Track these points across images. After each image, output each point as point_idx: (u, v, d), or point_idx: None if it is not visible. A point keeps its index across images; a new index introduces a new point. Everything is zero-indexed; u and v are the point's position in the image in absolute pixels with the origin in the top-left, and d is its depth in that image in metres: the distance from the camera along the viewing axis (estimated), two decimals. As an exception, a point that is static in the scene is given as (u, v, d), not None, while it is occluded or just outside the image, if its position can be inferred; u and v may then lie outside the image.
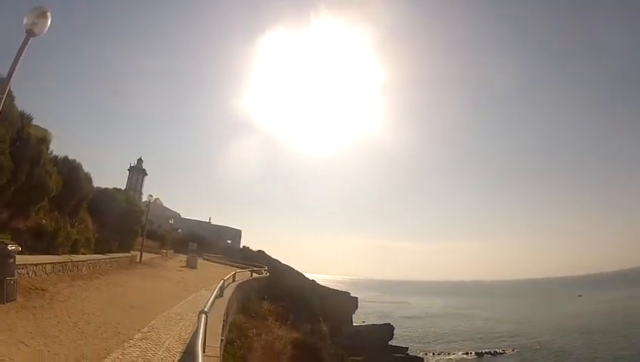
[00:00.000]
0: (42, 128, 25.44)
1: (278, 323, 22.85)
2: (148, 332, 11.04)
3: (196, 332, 8.04)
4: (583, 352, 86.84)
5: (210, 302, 11.70)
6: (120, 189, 49.08)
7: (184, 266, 40.86)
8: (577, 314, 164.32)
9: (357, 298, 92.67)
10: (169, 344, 10.14)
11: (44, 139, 23.10)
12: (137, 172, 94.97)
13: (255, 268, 35.39)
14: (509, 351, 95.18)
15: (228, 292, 17.06)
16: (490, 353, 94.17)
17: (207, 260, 56.15)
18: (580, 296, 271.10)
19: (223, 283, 17.28)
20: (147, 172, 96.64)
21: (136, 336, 10.72)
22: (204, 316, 9.02)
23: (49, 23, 10.58)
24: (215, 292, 14.38)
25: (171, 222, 72.01)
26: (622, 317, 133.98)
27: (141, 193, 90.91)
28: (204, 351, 8.62)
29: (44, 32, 10.65)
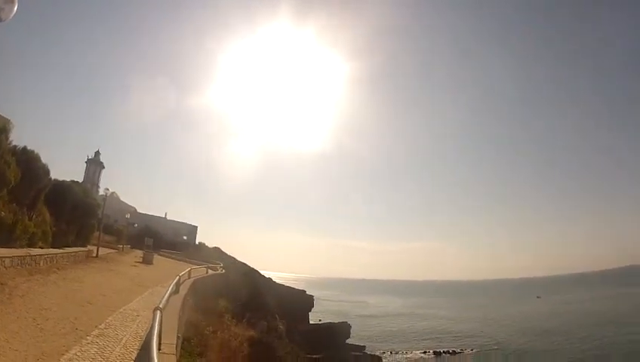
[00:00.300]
0: (3, 117, 25.01)
1: (234, 320, 23.10)
2: (105, 328, 11.24)
3: (151, 329, 8.11)
4: (541, 353, 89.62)
5: (165, 299, 11.90)
6: (77, 182, 48.33)
7: (140, 262, 40.59)
8: (536, 315, 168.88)
9: (313, 296, 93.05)
10: (126, 341, 10.36)
11: (4, 129, 22.75)
12: (95, 165, 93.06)
13: (211, 265, 35.51)
14: (467, 351, 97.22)
15: (183, 289, 17.32)
16: (448, 352, 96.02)
17: (163, 256, 55.79)
18: (538, 297, 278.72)
19: (179, 279, 17.54)
20: (104, 165, 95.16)
21: (93, 333, 10.89)
22: (159, 312, 9.09)
23: (16, 8, 10.45)
24: (170, 289, 14.62)
25: (127, 216, 70.91)
26: (580, 319, 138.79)
27: (98, 186, 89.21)
28: (159, 349, 8.82)
29: (10, 17, 10.46)
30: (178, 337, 11.24)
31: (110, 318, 12.54)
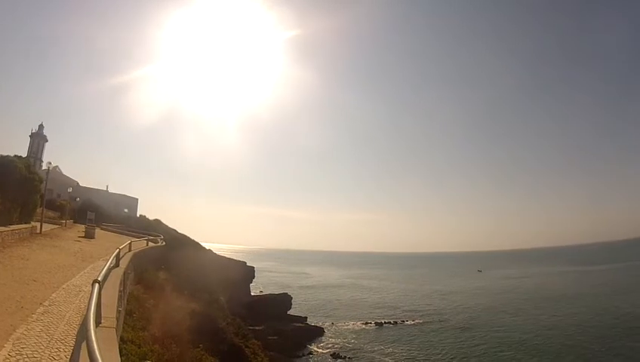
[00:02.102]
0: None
1: (175, 293, 23.12)
2: (49, 305, 11.11)
3: (89, 303, 7.94)
4: (483, 327, 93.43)
5: (104, 272, 11.79)
6: (21, 157, 46.46)
7: (82, 237, 39.83)
8: (477, 288, 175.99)
9: (253, 267, 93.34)
10: (69, 316, 10.29)
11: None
12: (38, 138, 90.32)
13: (151, 238, 35.14)
14: (408, 322, 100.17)
15: (124, 262, 17.15)
16: (390, 323, 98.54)
17: (105, 230, 54.70)
18: (479, 270, 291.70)
19: (119, 252, 17.33)
20: (48, 138, 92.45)
21: (38, 310, 10.73)
22: (97, 285, 8.97)
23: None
24: (110, 262, 14.46)
25: (70, 190, 68.90)
26: (520, 295, 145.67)
27: (41, 161, 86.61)
28: (100, 322, 8.84)
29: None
30: (119, 311, 11.22)
31: (54, 295, 12.37)
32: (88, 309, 7.51)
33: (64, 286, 13.80)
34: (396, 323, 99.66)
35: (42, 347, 7.89)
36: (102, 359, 5.27)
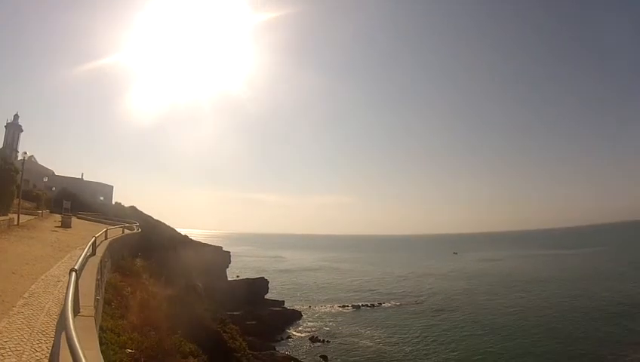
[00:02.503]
0: None
1: (152, 279, 23.07)
2: (29, 297, 11.03)
3: (67, 292, 8.00)
4: (457, 308, 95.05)
5: (80, 260, 11.72)
6: None
7: (59, 226, 39.41)
8: (453, 270, 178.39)
9: (229, 252, 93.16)
10: (49, 308, 10.24)
11: None
12: (13, 129, 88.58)
13: (127, 225, 34.88)
14: (385, 304, 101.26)
15: (100, 251, 17.03)
16: (367, 305, 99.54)
17: (82, 219, 54.09)
18: (455, 253, 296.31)
19: (95, 240, 17.21)
20: (23, 128, 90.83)
21: (18, 303, 10.63)
22: (74, 274, 9.00)
23: None
24: (86, 251, 14.36)
25: (45, 180, 68.00)
26: (495, 278, 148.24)
27: (17, 151, 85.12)
28: (78, 311, 8.80)
29: None
30: (97, 300, 11.17)
31: (33, 286, 12.28)
32: (66, 299, 7.56)
33: (42, 277, 13.69)
34: (373, 305, 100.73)
35: (24, 339, 7.88)
36: (81, 348, 5.28)
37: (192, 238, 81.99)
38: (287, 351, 62.30)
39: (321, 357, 60.94)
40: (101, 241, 19.59)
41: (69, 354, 5.41)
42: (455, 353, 62.57)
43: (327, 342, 69.58)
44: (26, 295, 11.24)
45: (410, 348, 66.10)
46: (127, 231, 30.88)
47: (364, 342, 69.89)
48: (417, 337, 72.25)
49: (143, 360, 12.81)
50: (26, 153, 45.28)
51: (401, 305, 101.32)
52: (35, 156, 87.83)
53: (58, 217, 48.81)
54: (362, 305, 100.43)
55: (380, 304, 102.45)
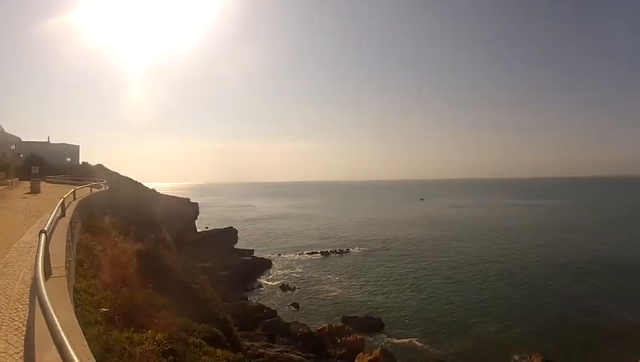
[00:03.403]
0: None
1: (122, 236, 23.04)
2: (4, 267, 10.93)
3: (37, 254, 7.99)
4: (423, 253, 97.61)
5: (49, 222, 11.68)
6: None
7: (29, 193, 38.70)
8: (418, 216, 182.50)
9: (197, 203, 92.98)
10: (23, 275, 10.20)
11: None
12: None
13: (94, 184, 34.44)
14: (354, 250, 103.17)
15: (70, 212, 16.90)
16: (335, 252, 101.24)
17: (50, 182, 53.02)
18: (421, 199, 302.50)
19: (63, 201, 17.07)
20: None
21: None
22: (43, 236, 9.04)
23: None
24: (55, 212, 14.29)
25: (13, 148, 66.25)
26: (460, 224, 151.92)
27: None
28: (51, 273, 8.82)
29: None
30: (69, 261, 11.18)
31: (7, 256, 12.17)
32: (36, 261, 7.59)
33: (15, 245, 13.57)
34: (341, 251, 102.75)
35: (2, 310, 7.95)
36: (54, 309, 5.34)
37: (160, 192, 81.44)
38: (258, 299, 63.58)
39: (292, 304, 62.30)
40: (70, 202, 19.43)
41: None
42: (420, 299, 64.76)
43: (298, 289, 71.08)
44: (1, 265, 11.21)
45: (378, 294, 68.08)
46: (95, 190, 30.58)
47: (333, 288, 71.54)
48: (384, 283, 74.34)
49: (117, 317, 12.99)
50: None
51: (368, 251, 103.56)
52: (1, 124, 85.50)
53: (27, 184, 47.97)
54: (330, 252, 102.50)
55: (348, 250, 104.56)
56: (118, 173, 64.14)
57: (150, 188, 74.35)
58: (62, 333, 4.67)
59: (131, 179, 65.35)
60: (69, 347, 4.38)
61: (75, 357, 4.20)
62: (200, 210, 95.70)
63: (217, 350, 18.33)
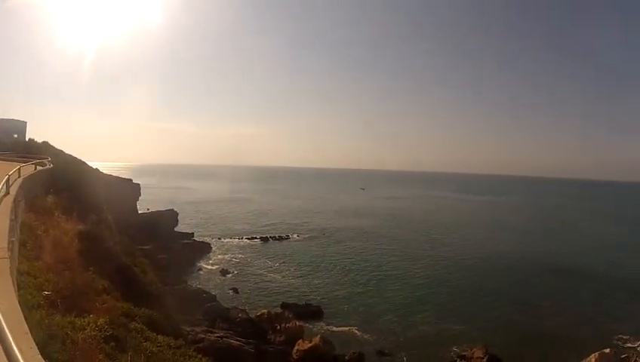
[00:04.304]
0: None
1: (64, 216, 22.09)
2: None
3: None
4: (368, 245, 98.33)
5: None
6: None
7: None
8: (359, 206, 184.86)
9: (139, 184, 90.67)
10: None
11: None
12: None
13: (38, 161, 32.80)
14: (294, 237, 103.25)
15: (14, 190, 16.03)
16: (275, 238, 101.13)
17: None
18: (362, 188, 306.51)
19: (8, 179, 16.15)
20: None
21: None
22: None
23: None
24: (-1, 190, 13.55)
25: None
26: (405, 216, 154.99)
27: None
28: None
29: None
30: (12, 241, 10.56)
31: None
32: None
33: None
34: (281, 238, 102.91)
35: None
36: None
37: (103, 171, 78.92)
38: (198, 284, 62.69)
39: (231, 289, 61.83)
40: (14, 180, 18.42)
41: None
42: (358, 288, 65.57)
43: (237, 274, 70.71)
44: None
45: (317, 282, 68.54)
46: (39, 168, 29.14)
47: (272, 274, 71.53)
48: (323, 270, 74.96)
49: (59, 301, 12.42)
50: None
51: (307, 238, 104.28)
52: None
53: (-25, 163, 45.39)
54: (270, 238, 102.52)
55: (288, 236, 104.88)
56: (62, 151, 61.72)
57: (94, 167, 71.90)
58: (2, 321, 4.35)
59: (75, 158, 62.99)
60: (10, 335, 4.08)
61: (15, 347, 3.90)
62: (142, 191, 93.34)
63: (158, 336, 17.79)
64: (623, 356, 42.45)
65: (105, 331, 12.68)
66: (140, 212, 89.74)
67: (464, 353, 42.32)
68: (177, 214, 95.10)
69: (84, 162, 64.77)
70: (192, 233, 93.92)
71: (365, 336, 46.81)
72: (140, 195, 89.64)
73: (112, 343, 12.85)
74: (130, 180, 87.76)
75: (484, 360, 39.07)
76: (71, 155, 62.36)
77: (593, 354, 37.53)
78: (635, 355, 42.24)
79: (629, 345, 46.44)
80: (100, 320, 13.01)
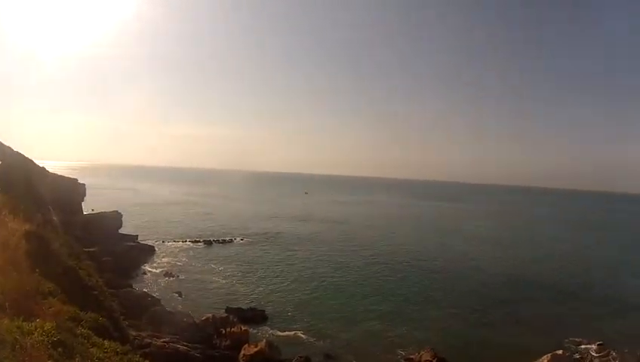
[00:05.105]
0: None
1: (11, 216, 21.08)
2: None
3: None
4: (312, 249, 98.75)
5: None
6: None
7: None
8: (302, 210, 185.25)
9: (85, 184, 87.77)
10: None
11: None
12: None
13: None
14: (237, 241, 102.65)
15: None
16: (219, 241, 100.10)
17: None
18: (306, 192, 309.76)
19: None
20: None
21: None
22: None
23: None
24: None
25: None
26: (351, 220, 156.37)
27: None
28: None
29: None
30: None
31: None
32: None
33: None
34: (225, 241, 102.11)
35: None
36: None
37: (50, 170, 75.97)
38: (143, 287, 60.99)
39: (176, 293, 60.64)
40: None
41: None
42: (303, 292, 65.57)
43: (181, 277, 69.49)
44: None
45: (261, 285, 68.24)
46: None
47: (216, 278, 70.79)
48: (267, 274, 74.96)
49: (7, 304, 11.83)
50: None
51: (251, 242, 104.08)
52: None
53: None
54: (214, 241, 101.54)
55: (231, 240, 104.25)
56: (10, 148, 59.05)
57: (41, 165, 69.07)
58: None
59: (23, 155, 60.28)
60: None
61: None
62: (88, 192, 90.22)
63: (105, 341, 17.10)
64: (577, 356, 44.03)
65: (52, 336, 12.13)
66: (85, 212, 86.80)
67: (411, 356, 42.50)
68: (121, 216, 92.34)
69: (31, 160, 62.18)
70: (137, 235, 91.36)
71: (311, 340, 46.65)
72: (85, 195, 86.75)
73: (60, 349, 12.30)
74: (76, 180, 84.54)
75: (433, 362, 39.36)
76: (19, 153, 59.67)
77: (545, 356, 38.41)
78: (589, 357, 43.65)
79: (582, 346, 48.09)
80: (47, 324, 12.45)
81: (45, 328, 12.06)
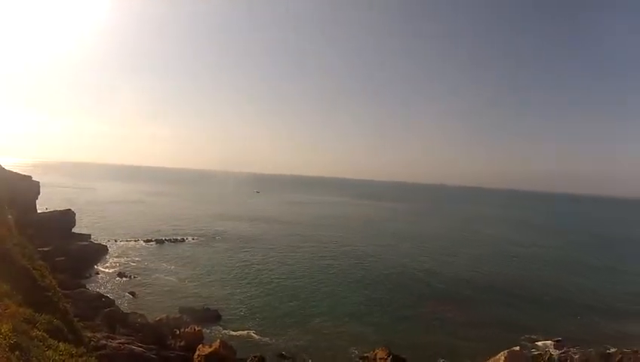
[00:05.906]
0: None
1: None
2: None
3: None
4: (264, 248, 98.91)
5: None
6: None
7: None
8: (253, 209, 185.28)
9: (38, 182, 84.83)
10: None
11: None
12: None
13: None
14: (189, 240, 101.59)
15: None
16: (171, 240, 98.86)
17: None
18: (257, 192, 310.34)
19: None
20: None
21: None
22: None
23: None
24: None
25: None
26: (302, 219, 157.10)
27: None
28: None
29: None
30: None
31: None
32: None
33: None
34: (177, 241, 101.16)
35: None
36: None
37: (4, 167, 73.17)
38: (97, 287, 59.46)
39: (129, 293, 59.58)
40: None
41: None
42: (255, 291, 65.72)
43: (134, 277, 68.34)
44: None
45: (214, 285, 68.13)
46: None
47: (169, 277, 70.08)
48: (219, 274, 74.92)
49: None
50: None
51: (203, 241, 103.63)
52: None
53: None
54: (166, 240, 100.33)
55: (183, 239, 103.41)
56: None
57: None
58: None
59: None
60: None
61: None
62: (42, 190, 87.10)
63: (60, 343, 16.78)
64: (535, 353, 45.26)
65: (9, 339, 11.90)
66: (39, 211, 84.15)
67: (366, 354, 42.84)
68: (75, 215, 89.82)
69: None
70: (89, 234, 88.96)
71: (264, 339, 46.66)
72: (39, 193, 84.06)
73: (17, 352, 12.08)
74: (30, 177, 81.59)
75: (388, 360, 39.75)
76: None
77: (502, 353, 38.88)
78: (546, 354, 44.89)
79: (540, 343, 49.53)
80: (4, 327, 12.21)
81: (2, 331, 11.85)
